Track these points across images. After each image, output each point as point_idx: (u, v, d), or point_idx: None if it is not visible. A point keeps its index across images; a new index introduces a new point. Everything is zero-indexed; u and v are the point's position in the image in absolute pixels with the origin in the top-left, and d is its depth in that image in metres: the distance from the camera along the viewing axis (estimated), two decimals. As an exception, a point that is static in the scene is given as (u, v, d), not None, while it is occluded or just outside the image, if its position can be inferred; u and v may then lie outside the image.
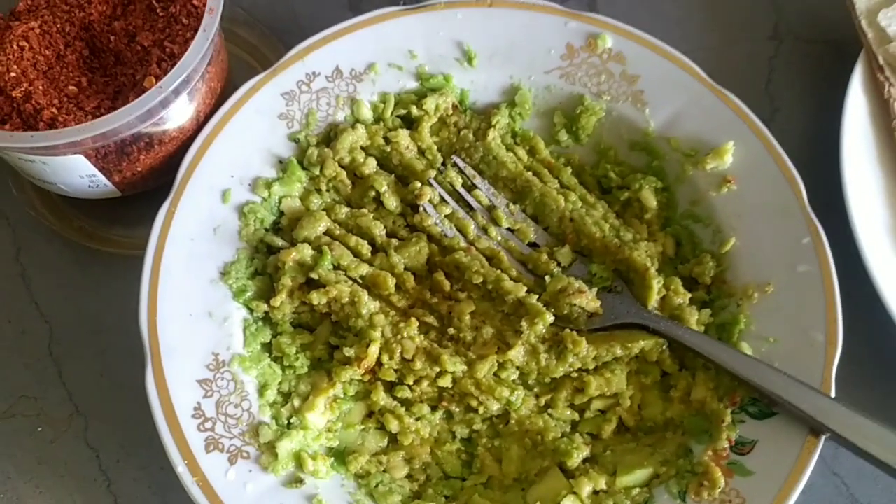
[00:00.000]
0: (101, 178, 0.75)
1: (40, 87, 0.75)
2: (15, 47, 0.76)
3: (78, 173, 0.74)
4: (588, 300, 0.73)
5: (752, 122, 0.77)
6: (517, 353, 0.71)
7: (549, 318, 0.72)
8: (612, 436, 0.72)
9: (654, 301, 0.74)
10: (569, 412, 0.72)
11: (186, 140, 0.77)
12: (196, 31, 0.76)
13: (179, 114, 0.75)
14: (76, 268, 0.83)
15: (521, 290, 0.73)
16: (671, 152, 0.79)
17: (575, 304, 0.73)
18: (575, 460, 0.69)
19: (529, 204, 0.79)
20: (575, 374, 0.72)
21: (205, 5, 0.77)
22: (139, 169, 0.76)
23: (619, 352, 0.72)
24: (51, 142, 0.66)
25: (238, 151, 0.77)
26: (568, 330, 0.72)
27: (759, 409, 0.68)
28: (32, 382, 0.79)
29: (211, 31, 0.70)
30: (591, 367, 0.72)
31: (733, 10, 0.96)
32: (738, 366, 0.68)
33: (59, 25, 0.79)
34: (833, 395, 0.67)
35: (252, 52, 0.91)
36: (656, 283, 0.73)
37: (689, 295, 0.74)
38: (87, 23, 0.79)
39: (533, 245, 0.79)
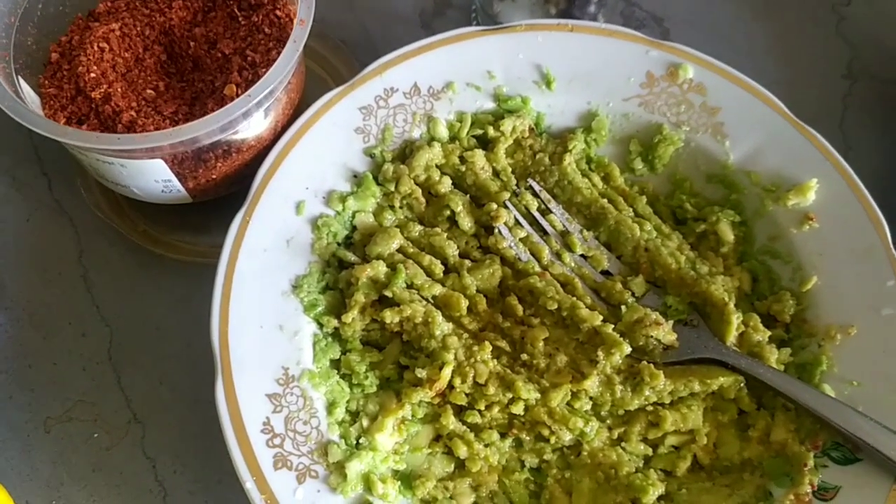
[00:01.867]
0: (176, 184, 0.74)
1: (119, 90, 0.74)
2: (95, 48, 0.76)
3: (154, 178, 0.73)
4: (665, 332, 0.72)
5: (835, 160, 0.76)
6: (592, 383, 0.70)
7: (627, 348, 0.70)
8: (686, 474, 0.70)
9: (732, 337, 0.72)
10: (642, 447, 0.70)
11: (263, 150, 0.76)
12: (278, 41, 0.76)
13: (259, 123, 0.74)
14: (139, 272, 0.82)
15: (597, 319, 0.72)
16: (750, 186, 0.78)
17: (651, 336, 0.72)
18: (650, 497, 0.67)
19: (603, 231, 0.78)
20: (650, 408, 0.71)
21: (287, 16, 0.77)
22: (214, 176, 0.75)
23: (696, 387, 0.70)
24: (137, 145, 0.65)
25: (314, 164, 0.76)
26: (644, 362, 0.71)
27: (842, 455, 0.67)
28: (90, 387, 0.78)
29: (300, 43, 0.69)
30: (667, 401, 0.71)
31: (807, 46, 0.95)
32: (822, 408, 0.67)
33: (138, 29, 0.78)
34: (918, 443, 0.65)
35: (323, 63, 0.91)
36: (735, 319, 0.72)
37: (769, 332, 0.73)
38: (166, 27, 0.79)
39: (606, 273, 0.78)
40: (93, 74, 0.74)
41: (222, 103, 0.73)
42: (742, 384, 0.71)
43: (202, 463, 0.75)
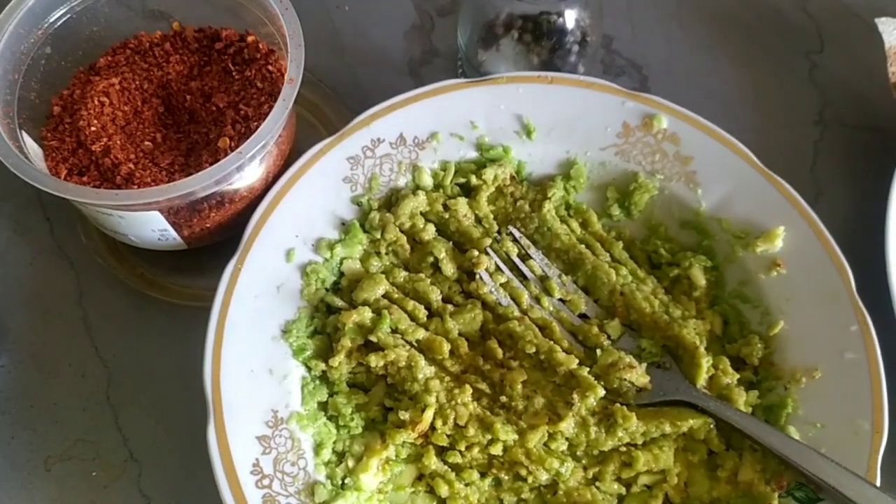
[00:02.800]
0: (172, 233, 0.78)
1: (118, 142, 0.78)
2: (96, 102, 0.79)
3: (151, 227, 0.77)
4: (638, 375, 0.75)
5: (802, 208, 0.79)
6: (568, 425, 0.73)
7: (601, 391, 0.73)
8: (658, 512, 0.73)
9: (702, 380, 0.75)
10: (616, 486, 0.74)
11: (255, 199, 0.79)
12: (270, 95, 0.80)
13: (251, 175, 0.78)
14: (136, 314, 0.86)
15: (573, 363, 0.75)
16: (721, 233, 0.81)
17: (625, 379, 0.75)
18: (623, 535, 0.70)
19: (581, 276, 0.82)
20: (623, 449, 0.74)
21: (279, 70, 0.81)
22: (208, 225, 0.79)
23: (667, 429, 0.73)
24: (135, 201, 0.69)
25: (303, 212, 0.79)
26: (618, 404, 0.74)
27: (805, 495, 0.70)
28: (90, 426, 0.81)
29: (290, 101, 0.73)
30: (640, 441, 0.74)
31: (779, 93, 0.99)
32: (786, 450, 0.70)
33: (137, 83, 0.82)
34: (878, 483, 0.69)
35: (314, 111, 0.94)
36: (705, 362, 0.75)
37: (738, 375, 0.76)
38: (164, 81, 0.82)
39: (583, 316, 0.81)
40: (93, 128, 0.78)
41: (216, 155, 0.77)
42: (712, 425, 0.74)
43: (196, 501, 0.78)
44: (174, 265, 0.86)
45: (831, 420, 0.72)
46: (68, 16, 0.80)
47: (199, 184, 0.70)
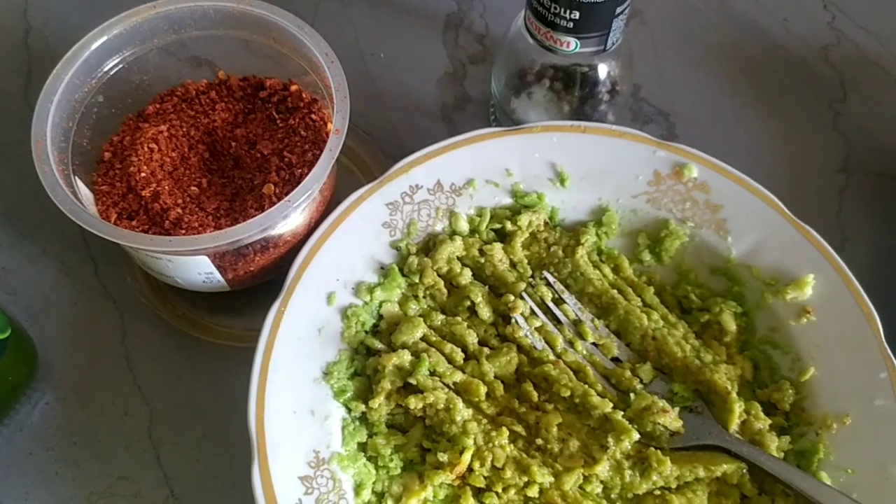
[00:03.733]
0: (217, 276, 0.80)
1: (167, 188, 0.81)
2: (146, 148, 0.82)
3: (197, 271, 0.79)
4: (672, 419, 0.76)
5: (831, 256, 0.81)
6: (603, 468, 0.75)
7: (636, 435, 0.75)
8: (692, 556, 0.74)
9: (734, 424, 0.77)
10: (650, 529, 0.75)
11: (297, 244, 0.82)
12: (313, 143, 0.83)
13: (295, 221, 0.80)
14: (178, 354, 0.88)
15: (608, 406, 0.77)
16: (751, 280, 0.83)
17: (658, 423, 0.76)
18: (658, 578, 0.71)
19: (613, 320, 0.83)
20: (657, 492, 0.75)
21: (322, 119, 0.84)
22: (252, 268, 0.81)
23: (701, 473, 0.75)
24: (186, 247, 0.71)
25: (344, 257, 0.82)
26: (652, 448, 0.75)
27: (838, 540, 0.71)
28: (132, 464, 0.83)
29: (336, 152, 0.75)
30: (673, 485, 0.75)
31: (804, 141, 1.01)
32: (819, 495, 0.71)
33: (184, 129, 0.85)
34: (910, 530, 0.70)
35: (351, 155, 0.97)
36: (738, 407, 0.77)
37: (769, 420, 0.77)
38: (210, 128, 0.85)
39: (616, 360, 0.83)
40: (143, 174, 0.81)
41: (261, 200, 0.80)
42: (744, 470, 0.76)
43: (235, 538, 0.79)
44: (215, 306, 0.89)
45: (862, 466, 0.73)
46: (121, 66, 0.83)
47: (248, 232, 0.72)
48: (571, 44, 0.82)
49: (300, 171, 0.80)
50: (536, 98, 0.96)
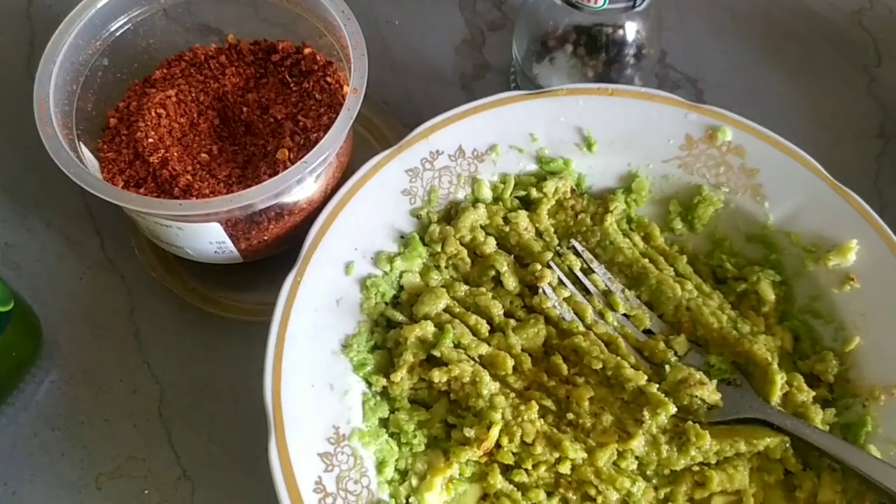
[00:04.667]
0: (229, 245, 0.77)
1: (175, 154, 0.77)
2: (153, 114, 0.78)
3: (208, 239, 0.75)
4: (709, 392, 0.72)
5: (874, 221, 0.77)
6: (638, 443, 0.71)
7: (672, 408, 0.71)
8: (734, 534, 0.70)
9: (776, 397, 0.73)
10: (689, 507, 0.71)
11: (313, 211, 0.78)
12: (328, 106, 0.79)
13: (310, 187, 0.76)
14: (188, 330, 0.84)
15: (642, 379, 0.73)
16: (790, 247, 0.79)
17: (695, 396, 0.73)
18: (699, 558, 0.67)
19: (645, 290, 0.80)
20: (696, 468, 0.71)
21: (337, 82, 0.80)
22: (266, 237, 0.78)
23: (742, 447, 0.71)
24: (198, 211, 0.67)
25: (362, 225, 0.78)
26: (690, 422, 0.71)
27: (890, 516, 0.67)
28: (141, 443, 0.79)
29: (354, 111, 0.72)
30: (713, 461, 0.71)
31: (838, 107, 0.97)
32: (869, 469, 0.67)
33: (193, 94, 0.81)
34: (967, 505, 0.66)
35: (367, 124, 0.93)
36: (779, 379, 0.73)
37: (813, 393, 0.73)
38: (220, 93, 0.82)
39: (648, 332, 0.79)
40: (150, 140, 0.77)
41: (274, 166, 0.76)
42: (787, 444, 0.72)
43: (250, 520, 0.76)
44: (227, 280, 0.85)
45: (914, 439, 0.69)
46: (126, 27, 0.80)
47: (262, 195, 0.69)
48: (600, -1, 0.78)
49: (316, 135, 0.77)
50: (559, 63, 0.92)
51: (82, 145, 0.77)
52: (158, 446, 0.79)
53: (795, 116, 0.96)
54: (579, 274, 0.80)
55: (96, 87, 0.80)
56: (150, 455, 0.79)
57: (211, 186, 0.76)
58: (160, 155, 0.76)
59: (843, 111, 0.96)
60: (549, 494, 0.72)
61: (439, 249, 0.79)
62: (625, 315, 0.79)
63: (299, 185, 0.73)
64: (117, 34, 0.80)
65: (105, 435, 0.79)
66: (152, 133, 0.77)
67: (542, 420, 0.72)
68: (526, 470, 0.71)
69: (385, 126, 0.93)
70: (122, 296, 0.86)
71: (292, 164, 0.72)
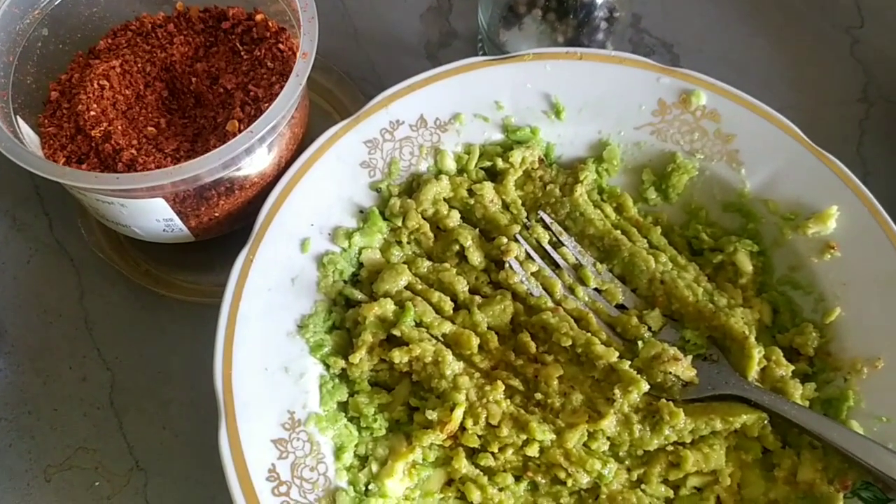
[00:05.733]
0: (178, 223, 0.73)
1: (119, 128, 0.73)
2: (95, 86, 0.74)
3: (155, 217, 0.71)
4: (684, 368, 0.69)
5: (855, 186, 0.74)
6: (610, 423, 0.67)
7: (645, 386, 0.68)
8: (711, 516, 0.67)
9: (754, 372, 0.69)
10: (663, 488, 0.68)
11: (266, 186, 0.74)
12: (281, 75, 0.75)
13: (262, 159, 0.72)
14: (141, 313, 0.80)
15: (613, 356, 0.69)
16: (768, 215, 0.76)
17: (669, 373, 0.69)
18: (673, 542, 0.64)
19: (617, 264, 0.76)
20: (670, 448, 0.68)
21: (290, 49, 0.76)
22: (216, 214, 0.74)
23: (718, 425, 0.67)
24: (137, 185, 0.63)
25: (318, 199, 0.74)
26: (663, 400, 0.68)
27: (873, 495, 0.64)
28: (92, 433, 0.75)
29: (303, 77, 0.68)
30: (688, 440, 0.68)
31: (820, 71, 0.93)
32: (851, 446, 0.64)
33: (139, 65, 0.77)
34: (953, 481, 0.62)
35: (328, 96, 0.89)
36: (757, 353, 0.69)
37: (792, 367, 0.70)
38: (168, 63, 0.78)
39: (620, 307, 0.75)
40: (93, 112, 0.73)
41: (225, 139, 0.72)
42: (766, 421, 0.68)
43: (207, 511, 0.72)
44: (181, 260, 0.81)
45: (898, 413, 0.66)
46: (67, -6, 0.76)
47: (207, 166, 0.65)
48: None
49: (267, 105, 0.72)
50: (528, 30, 0.88)
51: (20, 120, 0.73)
52: (110, 436, 0.75)
53: (776, 81, 0.92)
54: (548, 247, 0.76)
55: (36, 58, 0.76)
56: (101, 445, 0.75)
57: (157, 161, 0.71)
58: (103, 128, 0.72)
59: (825, 75, 0.93)
60: (517, 478, 0.68)
61: (400, 224, 0.75)
62: (596, 290, 0.75)
63: (249, 156, 0.69)
64: (57, 2, 0.76)
65: (54, 425, 0.76)
66: (94, 106, 0.73)
67: (508, 401, 0.68)
68: (492, 453, 0.68)
69: (347, 98, 0.89)
70: (72, 279, 0.82)
71: (244, 132, 0.67)
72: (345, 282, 0.74)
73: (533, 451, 0.67)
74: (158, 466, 0.74)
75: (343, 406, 0.70)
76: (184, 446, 0.75)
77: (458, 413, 0.67)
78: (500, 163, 0.78)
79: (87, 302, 0.81)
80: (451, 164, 0.78)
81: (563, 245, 0.77)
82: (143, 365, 0.78)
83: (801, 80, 0.92)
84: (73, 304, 0.80)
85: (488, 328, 0.72)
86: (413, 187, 0.77)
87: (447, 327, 0.71)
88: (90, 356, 0.78)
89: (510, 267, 0.74)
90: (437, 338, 0.71)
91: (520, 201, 0.78)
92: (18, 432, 0.75)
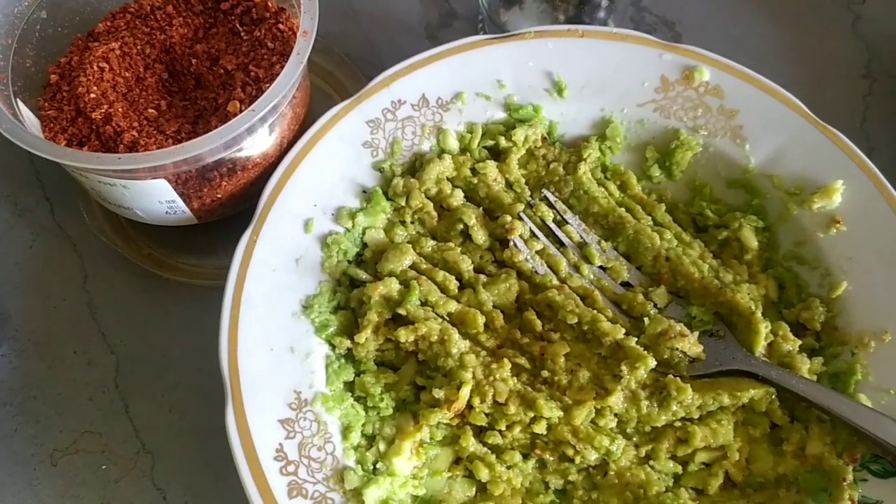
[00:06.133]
0: (181, 205, 0.72)
1: (120, 110, 0.72)
2: (95, 68, 0.74)
3: (157, 199, 0.71)
4: (691, 344, 0.69)
5: (861, 160, 0.73)
6: (617, 400, 0.67)
7: (652, 362, 0.67)
8: (719, 491, 0.67)
9: (761, 347, 0.69)
10: (671, 464, 0.67)
11: (269, 167, 0.74)
12: (282, 55, 0.74)
13: (264, 140, 0.72)
14: (144, 297, 0.80)
15: (620, 332, 0.69)
16: (773, 190, 0.75)
17: (676, 349, 0.69)
18: (682, 517, 0.64)
19: (622, 241, 0.76)
20: (678, 424, 0.68)
21: (291, 29, 0.75)
22: (219, 195, 0.73)
23: (726, 400, 0.67)
24: (138, 164, 0.63)
25: (321, 180, 0.74)
26: (671, 376, 0.68)
27: (882, 467, 0.64)
28: (97, 417, 0.75)
29: (304, 55, 0.67)
30: (696, 416, 0.68)
31: (823, 47, 0.93)
32: (859, 419, 0.64)
33: (139, 47, 0.77)
34: (962, 453, 0.62)
35: (328, 78, 0.89)
36: (763, 328, 0.69)
37: (799, 342, 0.70)
38: (167, 45, 0.77)
39: (626, 285, 0.75)
40: (93, 95, 0.72)
41: (226, 120, 0.71)
42: (773, 396, 0.68)
43: (215, 493, 0.72)
44: (184, 243, 0.81)
45: (906, 386, 0.66)
46: (65, -23, 0.75)
47: (208, 145, 0.64)
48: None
49: (268, 85, 0.71)
50: (529, 9, 0.87)
51: (20, 103, 0.72)
52: (116, 419, 0.75)
53: (778, 58, 0.92)
54: (552, 226, 0.76)
55: (35, 41, 0.75)
56: (108, 429, 0.75)
57: (159, 143, 0.71)
58: (103, 111, 0.71)
59: (828, 52, 0.92)
60: (525, 456, 0.68)
61: (404, 204, 0.75)
62: (601, 267, 0.75)
63: (251, 136, 0.69)
64: (55, -15, 0.75)
65: (59, 409, 0.76)
66: (94, 88, 0.73)
67: (515, 379, 0.68)
68: (500, 431, 0.68)
69: (347, 79, 0.89)
70: (75, 264, 0.81)
71: (246, 111, 0.67)
72: (349, 262, 0.73)
73: (540, 428, 0.67)
74: (165, 449, 0.74)
75: (349, 386, 0.70)
76: (190, 428, 0.75)
77: (466, 391, 0.67)
78: (502, 141, 0.78)
79: (91, 286, 0.80)
80: (453, 144, 0.78)
81: (567, 223, 0.76)
82: (147, 348, 0.78)
83: (804, 58, 0.92)
84: (76, 288, 0.80)
85: (493, 307, 0.72)
86: (416, 167, 0.77)
87: (452, 306, 0.71)
88: (94, 340, 0.78)
89: (515, 245, 0.74)
90: (442, 317, 0.71)
91: (523, 180, 0.78)
92: (24, 417, 0.75)
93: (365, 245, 0.75)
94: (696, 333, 0.70)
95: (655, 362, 0.68)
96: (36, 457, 0.74)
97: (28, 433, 0.75)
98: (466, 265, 0.73)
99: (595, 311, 0.70)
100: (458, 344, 0.68)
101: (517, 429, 0.67)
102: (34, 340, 0.78)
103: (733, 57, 0.79)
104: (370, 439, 0.68)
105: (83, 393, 0.76)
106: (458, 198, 0.76)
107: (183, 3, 0.80)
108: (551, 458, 0.68)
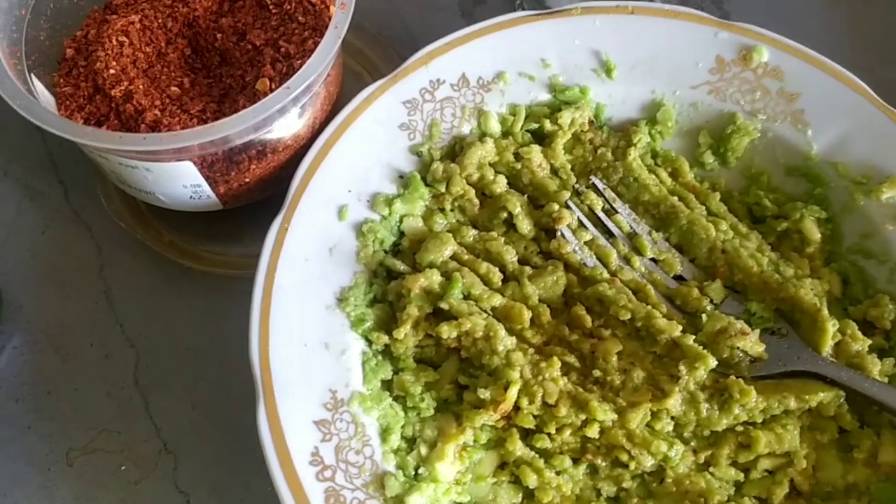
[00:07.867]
0: (206, 189, 0.68)
1: (141, 87, 0.68)
2: (114, 42, 0.69)
3: (182, 182, 0.66)
4: (752, 343, 0.64)
5: (933, 147, 0.69)
6: (675, 402, 0.63)
7: (712, 362, 0.63)
8: (784, 501, 0.62)
9: (827, 347, 0.65)
10: (733, 471, 0.63)
11: (300, 149, 0.69)
12: (313, 29, 0.70)
13: (296, 120, 0.67)
14: (165, 287, 0.76)
15: (676, 329, 0.65)
16: (837, 179, 0.71)
17: (737, 348, 0.64)
18: (746, 529, 0.60)
19: (674, 232, 0.71)
20: (740, 428, 0.63)
21: (323, 2, 0.71)
22: (247, 179, 0.69)
23: (792, 404, 0.63)
24: (164, 145, 0.58)
25: (356, 164, 0.69)
26: (732, 377, 0.63)
27: (962, 477, 0.59)
28: (116, 414, 0.71)
29: (343, 29, 0.63)
30: (759, 420, 0.63)
31: (879, 27, 0.88)
32: (938, 426, 0.59)
33: (160, 21, 0.72)
34: None
35: (359, 57, 0.84)
36: (831, 327, 0.65)
37: (868, 341, 0.65)
38: (190, 19, 0.72)
39: (679, 279, 0.70)
40: (112, 71, 0.68)
41: (254, 99, 0.67)
42: (842, 399, 0.64)
43: (241, 497, 0.68)
44: (207, 230, 0.77)
45: None
46: (80, -56, 0.70)
47: (239, 125, 0.60)
48: None
49: (300, 62, 0.67)
50: (571, -16, 0.82)
51: (35, 79, 0.67)
52: (135, 417, 0.71)
53: (833, 38, 0.87)
54: (601, 215, 0.71)
55: (49, 13, 0.71)
56: (127, 427, 0.71)
57: (183, 122, 0.66)
58: (123, 88, 0.67)
59: (885, 32, 0.88)
60: (576, 461, 0.64)
61: (443, 190, 0.70)
62: (653, 260, 0.71)
63: (282, 116, 0.64)
64: (70, -47, 0.70)
65: (76, 406, 0.71)
66: (114, 63, 0.68)
67: (565, 378, 0.64)
68: (549, 434, 0.63)
69: (379, 59, 0.84)
70: (91, 251, 0.77)
71: (280, 88, 0.62)
72: (385, 252, 0.69)
73: (592, 431, 0.62)
74: (188, 449, 0.70)
75: (387, 384, 0.65)
76: (215, 428, 0.70)
77: (513, 392, 0.62)
78: (547, 125, 0.73)
79: (108, 275, 0.76)
80: (495, 126, 0.73)
81: (616, 212, 0.72)
82: (168, 341, 0.74)
83: (860, 38, 0.87)
84: (92, 277, 0.76)
85: (540, 301, 0.68)
86: (455, 151, 0.72)
87: (497, 300, 0.66)
88: (112, 332, 0.74)
89: (562, 235, 0.69)
90: (486, 311, 0.66)
91: (569, 166, 0.73)
92: (37, 413, 0.71)
93: (402, 234, 0.70)
94: (757, 331, 0.66)
95: (715, 362, 0.63)
96: (50, 456, 0.70)
97: (42, 431, 0.71)
98: (511, 256, 0.69)
99: (649, 307, 0.66)
100: (505, 341, 0.64)
101: (567, 432, 0.63)
102: (48, 332, 0.74)
103: (788, 36, 0.75)
104: (411, 442, 0.64)
105: (101, 388, 0.72)
106: (501, 184, 0.71)
107: (207, -27, 0.75)
108: (604, 464, 0.63)
